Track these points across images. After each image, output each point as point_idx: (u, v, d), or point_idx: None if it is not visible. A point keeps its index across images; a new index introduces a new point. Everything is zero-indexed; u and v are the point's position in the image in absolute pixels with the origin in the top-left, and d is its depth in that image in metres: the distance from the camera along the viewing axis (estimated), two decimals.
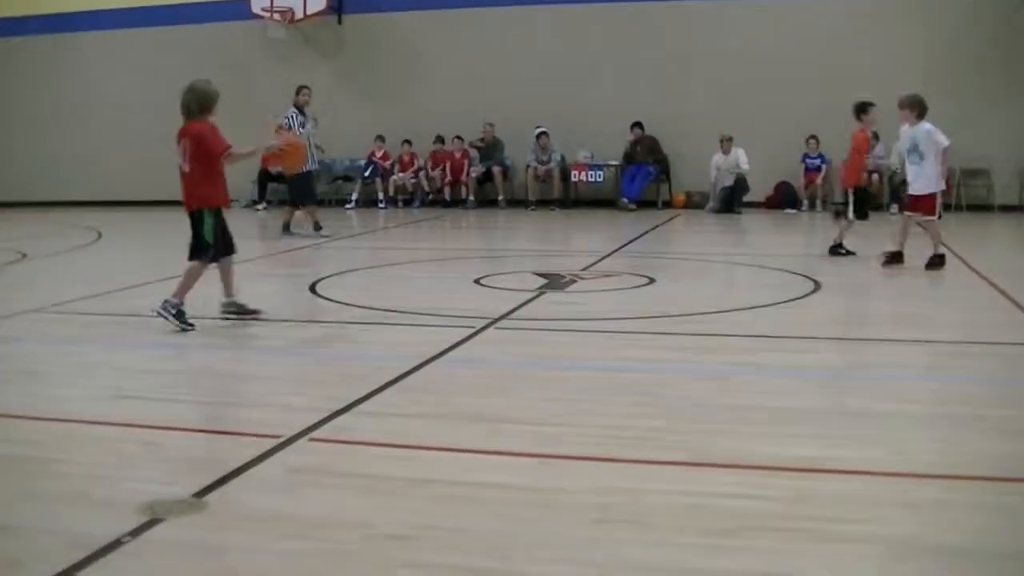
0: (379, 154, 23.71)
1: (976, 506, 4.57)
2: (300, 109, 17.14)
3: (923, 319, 9.24)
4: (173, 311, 8.70)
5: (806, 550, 4.05)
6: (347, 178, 24.54)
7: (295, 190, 17.59)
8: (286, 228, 17.27)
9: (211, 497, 4.61)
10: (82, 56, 26.42)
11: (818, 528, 4.22)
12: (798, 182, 21.74)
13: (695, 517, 4.35)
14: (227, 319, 9.05)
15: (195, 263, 8.97)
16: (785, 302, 9.91)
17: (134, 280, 11.73)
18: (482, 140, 23.42)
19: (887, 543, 4.11)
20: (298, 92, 17.34)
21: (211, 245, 8.94)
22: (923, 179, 12.44)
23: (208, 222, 8.91)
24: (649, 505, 4.52)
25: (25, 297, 10.68)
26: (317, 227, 17.12)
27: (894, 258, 12.34)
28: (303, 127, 16.90)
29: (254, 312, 9.18)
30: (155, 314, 8.67)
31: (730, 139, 21.32)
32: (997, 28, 20.78)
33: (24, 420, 6.02)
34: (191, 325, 8.70)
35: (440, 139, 23.49)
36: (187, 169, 8.94)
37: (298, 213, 17.38)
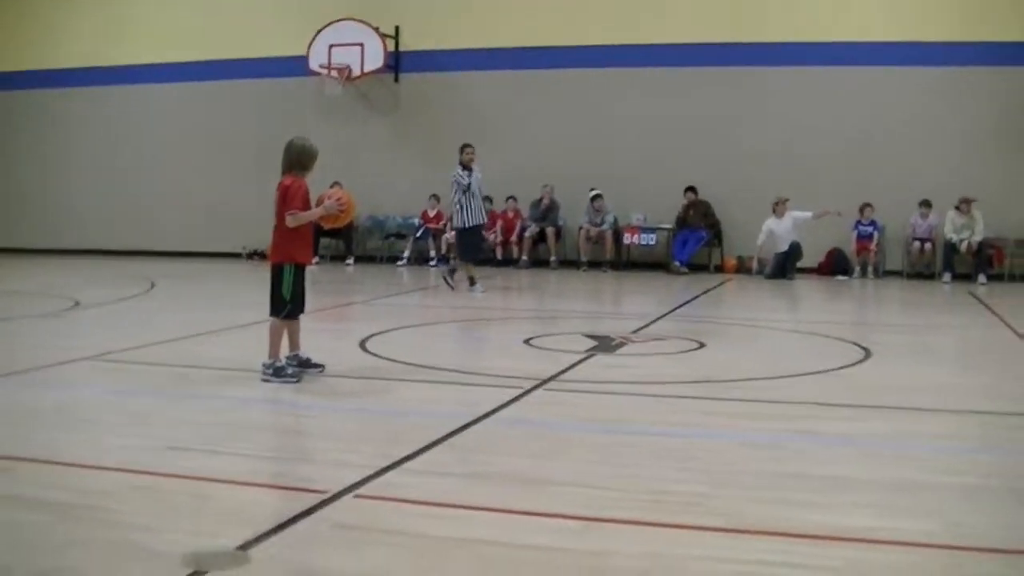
0: (432, 213, 23.81)
1: None
2: (465, 166, 17.25)
3: (976, 389, 9.13)
4: (270, 371, 8.83)
5: None
6: (399, 235, 24.64)
7: (461, 245, 17.90)
8: (472, 282, 17.44)
9: (256, 551, 4.61)
10: (141, 108, 26.81)
11: None
12: (850, 248, 21.64)
13: None
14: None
15: (273, 320, 9.04)
16: (836, 369, 9.83)
17: (188, 331, 11.83)
18: (541, 200, 23.50)
19: None
20: (462, 151, 17.42)
21: (287, 302, 8.99)
22: None
23: (287, 279, 8.97)
24: (695, 572, 4.48)
25: (79, 345, 10.76)
26: (471, 282, 17.27)
27: None
28: (469, 186, 17.11)
29: (317, 366, 9.21)
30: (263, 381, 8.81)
31: (785, 202, 21.21)
32: None
33: (75, 468, 6.05)
34: (294, 377, 8.83)
35: (488, 199, 23.51)
36: (275, 222, 9.02)
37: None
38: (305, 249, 9.28)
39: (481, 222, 17.77)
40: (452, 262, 18.93)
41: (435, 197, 23.60)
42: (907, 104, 21.36)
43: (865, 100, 21.61)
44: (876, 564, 4.62)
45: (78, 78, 27.41)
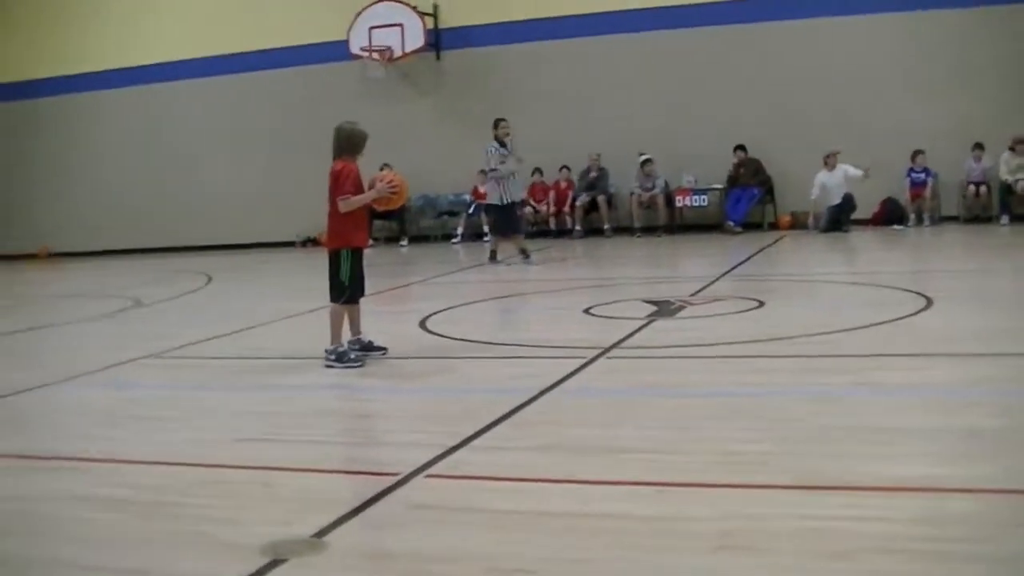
0: (482, 189, 23.75)
1: None
2: (501, 142, 17.26)
3: None
4: (333, 357, 8.88)
5: (931, 570, 3.99)
6: (452, 213, 24.69)
7: (499, 222, 18.02)
8: (493, 257, 17.78)
9: (331, 537, 4.65)
10: (184, 105, 26.95)
11: (939, 549, 4.15)
12: (904, 197, 21.45)
13: (815, 540, 4.30)
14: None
15: (333, 305, 9.09)
16: (896, 319, 9.77)
17: (248, 322, 11.91)
18: (589, 170, 23.45)
19: (1009, 563, 4.04)
20: (496, 125, 17.54)
21: (347, 287, 9.03)
22: None
23: (345, 264, 9.00)
24: (769, 530, 4.48)
25: (140, 343, 10.86)
26: (525, 255, 17.35)
27: None
28: (503, 161, 17.15)
29: (380, 349, 9.25)
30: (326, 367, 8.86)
31: (836, 154, 21.05)
32: None
33: (141, 464, 6.12)
34: (358, 362, 8.86)
35: (539, 171, 23.53)
36: (328, 209, 9.05)
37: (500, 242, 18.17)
38: (361, 233, 9.29)
39: (518, 199, 17.91)
40: (490, 242, 18.89)
41: (483, 172, 23.54)
42: (953, 47, 21.04)
43: (909, 46, 21.34)
44: (941, 512, 4.61)
45: (118, 79, 27.54)
